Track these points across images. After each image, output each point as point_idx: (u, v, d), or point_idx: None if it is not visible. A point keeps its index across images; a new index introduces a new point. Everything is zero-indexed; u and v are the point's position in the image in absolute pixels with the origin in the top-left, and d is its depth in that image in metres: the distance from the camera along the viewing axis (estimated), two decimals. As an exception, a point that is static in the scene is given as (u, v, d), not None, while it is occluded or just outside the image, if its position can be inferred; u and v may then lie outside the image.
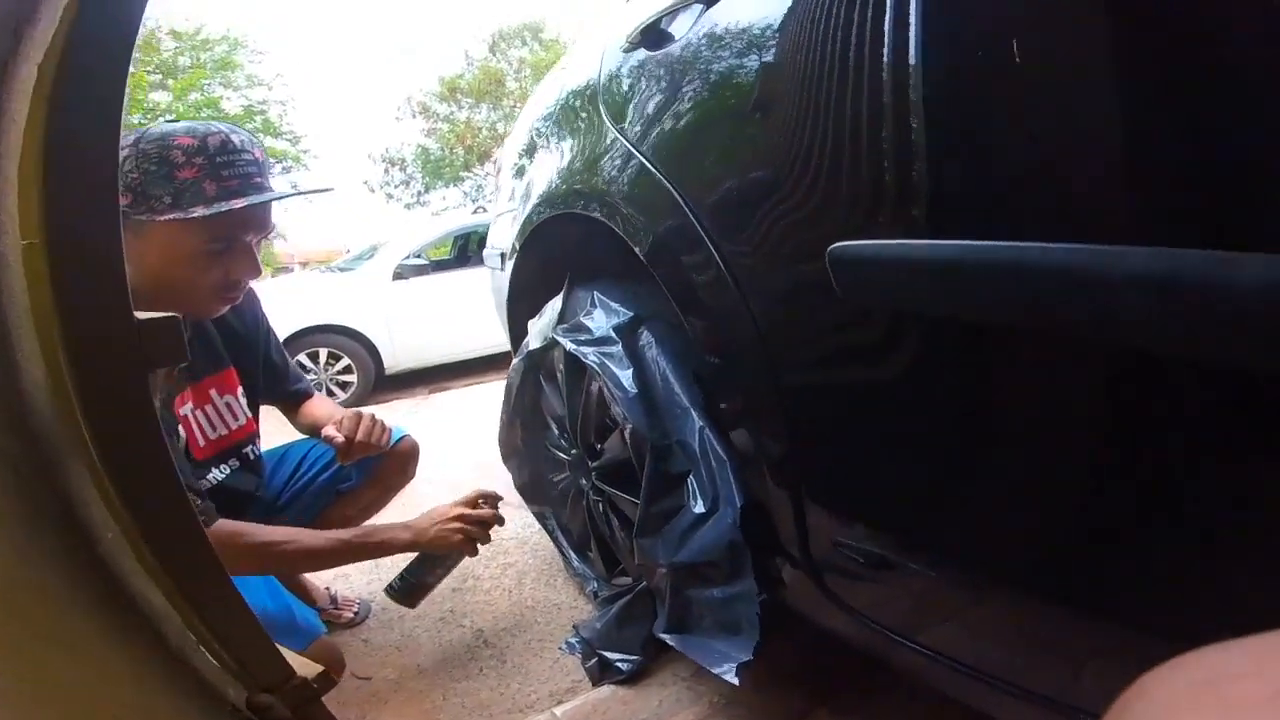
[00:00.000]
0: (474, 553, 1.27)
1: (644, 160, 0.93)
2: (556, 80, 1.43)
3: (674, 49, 0.88)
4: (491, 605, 1.55)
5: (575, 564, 1.48)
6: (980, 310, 0.52)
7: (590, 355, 1.07)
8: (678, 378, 0.97)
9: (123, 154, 0.89)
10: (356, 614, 1.56)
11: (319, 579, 1.67)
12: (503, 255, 1.71)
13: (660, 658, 1.18)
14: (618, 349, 1.03)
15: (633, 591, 1.14)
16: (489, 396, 3.66)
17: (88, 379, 0.47)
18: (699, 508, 0.88)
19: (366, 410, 1.31)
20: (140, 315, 0.49)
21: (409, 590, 1.35)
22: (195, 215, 0.90)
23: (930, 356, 0.60)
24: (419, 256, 5.04)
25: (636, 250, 0.96)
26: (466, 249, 5.48)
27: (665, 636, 0.94)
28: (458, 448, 2.82)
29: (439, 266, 5.16)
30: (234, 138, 0.96)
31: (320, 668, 0.72)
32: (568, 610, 1.48)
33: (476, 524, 1.24)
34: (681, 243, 0.84)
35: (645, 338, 1.04)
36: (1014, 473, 0.59)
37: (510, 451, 1.59)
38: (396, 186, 18.41)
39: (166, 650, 0.57)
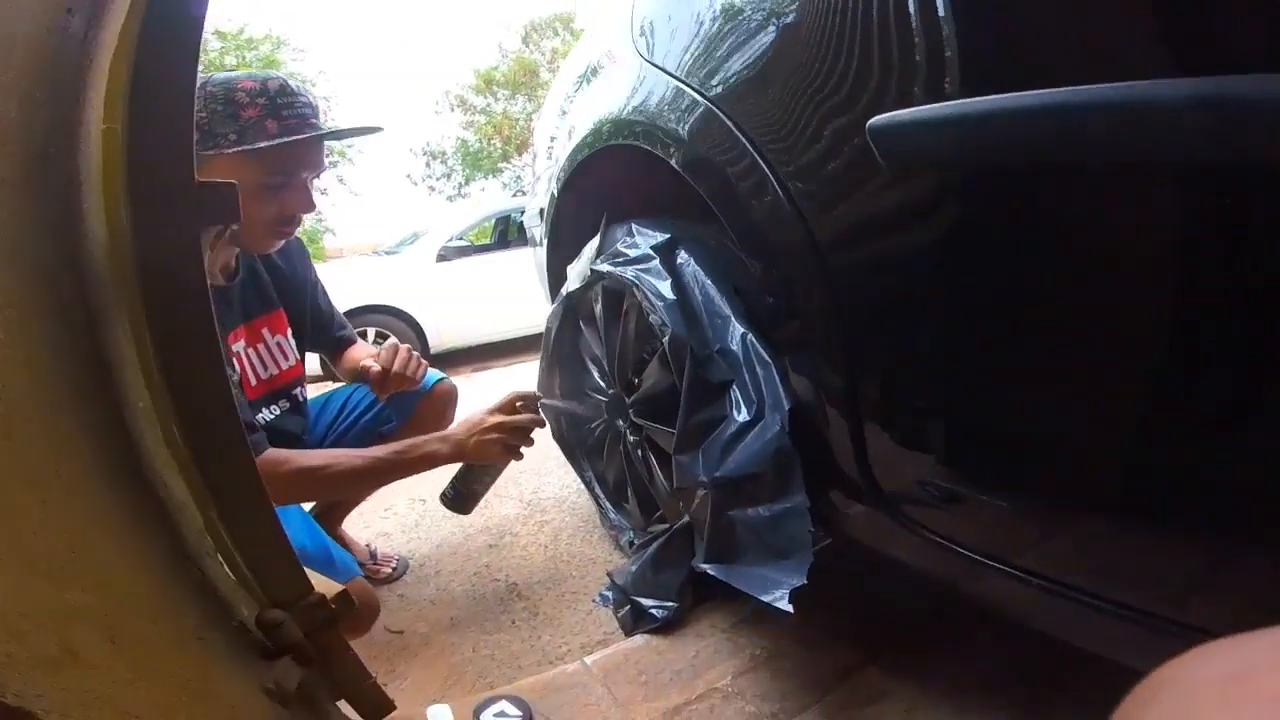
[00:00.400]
0: (519, 458, 1.21)
1: (680, 83, 0.95)
2: (582, 49, 1.52)
3: None
4: (527, 560, 1.52)
5: (612, 516, 1.44)
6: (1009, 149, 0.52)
7: (628, 273, 1.02)
8: (718, 289, 0.92)
9: None
10: (395, 570, 1.55)
11: (361, 534, 1.68)
12: (541, 211, 1.71)
13: (698, 608, 1.12)
14: (655, 264, 0.99)
15: (669, 532, 1.07)
16: (529, 375, 3.68)
17: (145, 232, 0.47)
18: (742, 416, 0.82)
19: (404, 345, 1.30)
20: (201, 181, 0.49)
21: (460, 499, 1.30)
22: (261, 146, 0.96)
23: (983, 238, 0.58)
24: (461, 239, 5.09)
25: (674, 164, 0.93)
26: (506, 233, 5.52)
27: (706, 567, 0.87)
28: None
29: (480, 250, 5.20)
30: (291, 83, 1.02)
31: (340, 587, 0.68)
32: (603, 565, 1.44)
33: (516, 430, 1.18)
34: (721, 150, 0.83)
35: (683, 256, 1.00)
36: (1089, 365, 0.53)
37: (548, 398, 1.55)
38: (438, 180, 18.66)
39: (178, 545, 0.53)
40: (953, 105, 0.53)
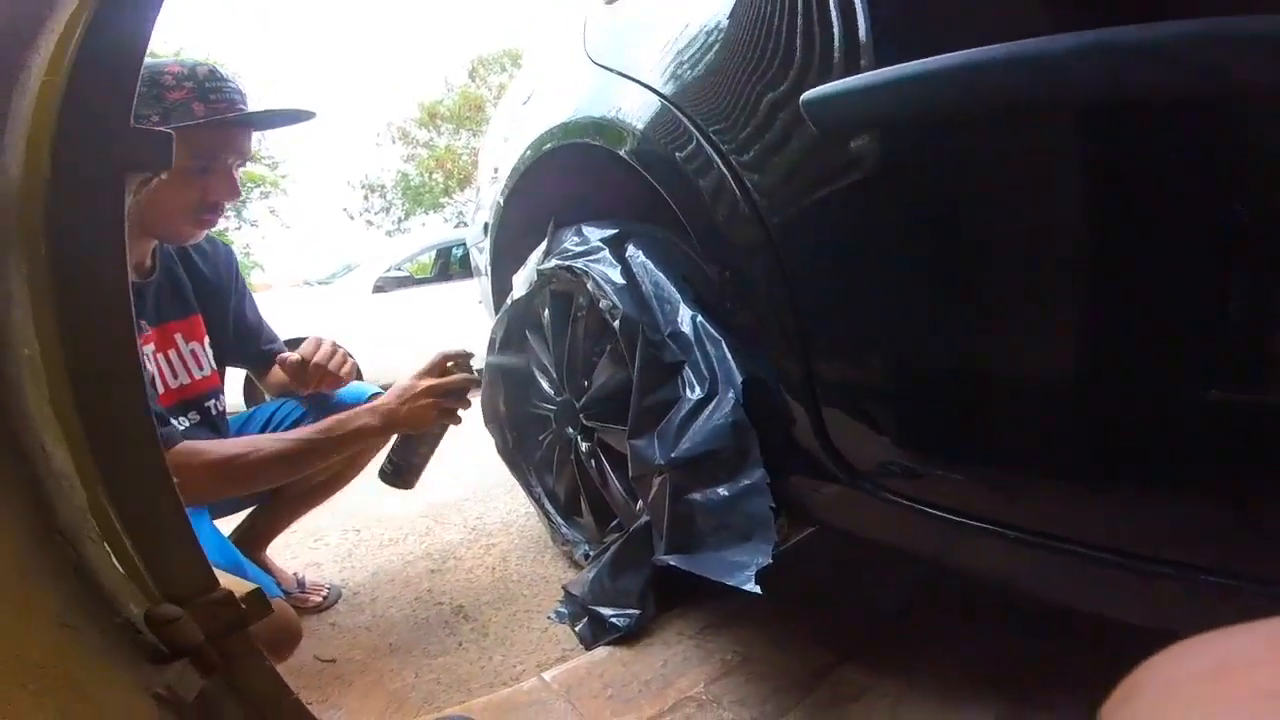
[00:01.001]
0: (457, 421, 1.12)
1: (631, 81, 0.97)
2: (526, 73, 1.62)
3: None
4: (473, 583, 1.44)
5: (564, 531, 1.38)
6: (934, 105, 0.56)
7: (578, 264, 1.01)
8: (666, 276, 0.92)
9: None
10: (325, 598, 1.44)
11: (288, 564, 1.55)
12: (485, 225, 1.70)
13: (662, 616, 1.07)
14: (605, 253, 0.99)
15: (626, 534, 1.03)
16: (473, 409, 3.57)
17: (66, 170, 0.43)
18: (696, 394, 0.80)
19: (329, 339, 1.24)
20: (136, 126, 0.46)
21: (400, 472, 1.17)
22: (186, 124, 0.91)
23: (910, 194, 0.62)
24: (400, 270, 4.96)
25: (624, 154, 0.94)
26: (448, 266, 5.42)
27: (668, 559, 0.83)
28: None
29: (420, 282, 5.08)
30: (220, 70, 0.98)
31: (253, 586, 0.59)
32: (556, 583, 1.37)
33: (450, 392, 1.08)
34: (670, 138, 0.85)
35: (631, 249, 0.99)
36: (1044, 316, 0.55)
37: (492, 414, 1.49)
38: (377, 213, 18.22)
39: (47, 519, 0.45)
40: (873, 74, 0.59)
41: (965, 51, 0.51)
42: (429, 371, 1.10)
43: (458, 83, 17.61)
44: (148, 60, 0.92)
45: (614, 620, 1.02)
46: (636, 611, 1.02)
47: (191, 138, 0.92)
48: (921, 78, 0.54)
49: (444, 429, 1.14)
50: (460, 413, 1.12)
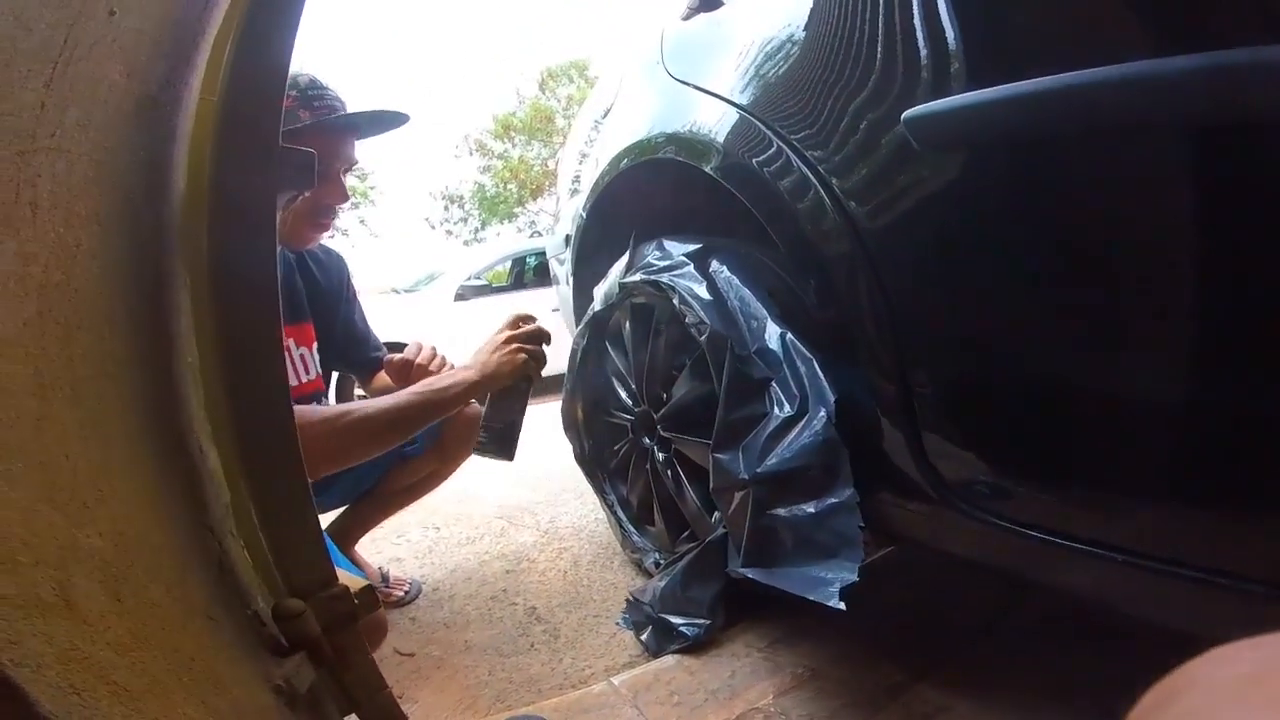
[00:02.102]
0: (538, 372, 1.14)
1: (714, 96, 0.98)
2: (602, 89, 1.63)
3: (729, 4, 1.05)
4: (546, 585, 1.48)
5: (635, 539, 1.40)
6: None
7: (663, 278, 1.03)
8: (753, 292, 0.92)
9: None
10: (407, 593, 1.51)
11: (373, 559, 1.64)
12: (567, 238, 1.74)
13: (731, 629, 1.08)
14: (689, 268, 1.00)
15: (701, 545, 1.03)
16: (548, 414, 3.65)
17: (224, 189, 0.47)
18: (785, 411, 0.80)
19: (430, 344, 1.30)
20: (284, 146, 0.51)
21: (499, 436, 1.16)
22: (295, 128, 0.98)
23: (1011, 214, 0.61)
24: (479, 279, 5.16)
25: (708, 170, 0.95)
26: (522, 275, 5.60)
27: (745, 572, 0.84)
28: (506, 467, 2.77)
29: (497, 290, 5.27)
30: (319, 78, 1.04)
31: (365, 582, 0.64)
32: (625, 590, 1.39)
33: (530, 338, 1.12)
34: (755, 152, 0.85)
35: (715, 265, 1.00)
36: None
37: (570, 422, 1.53)
38: (455, 223, 18.91)
39: (201, 515, 0.49)
40: (979, 93, 0.59)
41: (1073, 73, 0.51)
42: (506, 327, 1.14)
43: (528, 94, 18.04)
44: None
45: (683, 629, 1.03)
46: (706, 621, 1.03)
47: (301, 145, 0.99)
48: (1027, 98, 0.54)
49: (529, 385, 1.16)
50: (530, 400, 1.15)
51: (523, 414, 1.17)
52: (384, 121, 1.12)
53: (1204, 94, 0.46)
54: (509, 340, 1.10)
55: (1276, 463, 0.49)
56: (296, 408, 0.98)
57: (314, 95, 1.02)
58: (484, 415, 1.16)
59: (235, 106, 0.48)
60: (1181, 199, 0.51)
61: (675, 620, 1.04)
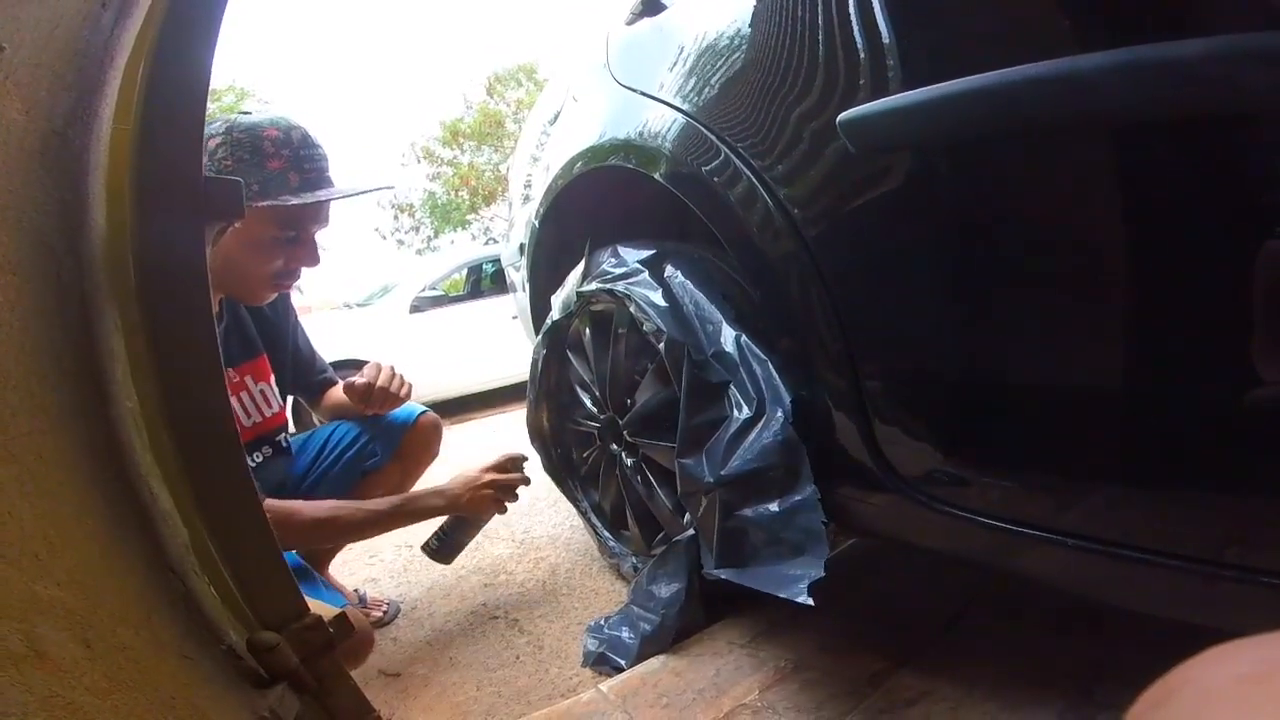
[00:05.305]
0: (503, 511, 1.31)
1: (660, 102, 0.98)
2: (549, 94, 1.61)
3: (672, 8, 1.05)
4: (526, 596, 1.48)
5: (611, 545, 1.40)
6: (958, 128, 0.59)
7: (618, 286, 1.03)
8: (707, 297, 0.94)
9: (215, 140, 0.95)
10: (386, 613, 1.49)
11: (347, 580, 1.62)
12: (521, 246, 1.73)
13: (711, 627, 1.09)
14: (644, 275, 1.00)
15: (669, 544, 1.06)
16: (510, 424, 3.62)
17: (147, 224, 0.46)
18: (744, 413, 0.81)
19: (388, 364, 1.31)
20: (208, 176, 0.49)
21: (445, 548, 1.36)
22: (292, 204, 0.96)
23: (950, 211, 0.63)
24: (435, 290, 5.07)
25: (658, 177, 0.95)
26: (479, 283, 5.52)
27: (718, 573, 0.85)
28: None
29: (454, 300, 5.19)
30: (310, 134, 1.01)
31: (337, 610, 0.64)
32: (606, 595, 1.40)
33: (507, 487, 1.27)
34: (700, 157, 0.86)
35: (669, 270, 1.01)
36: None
37: (536, 432, 1.53)
38: (407, 232, 18.49)
39: (159, 555, 0.49)
40: (905, 95, 0.60)
41: (999, 71, 0.53)
42: (491, 467, 1.30)
43: (476, 100, 17.73)
44: (245, 120, 0.96)
45: (642, 626, 1.06)
46: (662, 613, 1.05)
47: (283, 209, 0.96)
48: (955, 98, 0.56)
49: (490, 517, 1.35)
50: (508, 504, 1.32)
51: (471, 538, 1.39)
52: (370, 192, 1.14)
53: (1128, 90, 0.48)
54: (491, 483, 1.26)
55: (1217, 443, 0.52)
56: (289, 504, 1.06)
57: (305, 156, 0.98)
58: (443, 525, 1.35)
59: (153, 133, 0.45)
60: (1111, 192, 0.53)
61: (637, 611, 1.07)
